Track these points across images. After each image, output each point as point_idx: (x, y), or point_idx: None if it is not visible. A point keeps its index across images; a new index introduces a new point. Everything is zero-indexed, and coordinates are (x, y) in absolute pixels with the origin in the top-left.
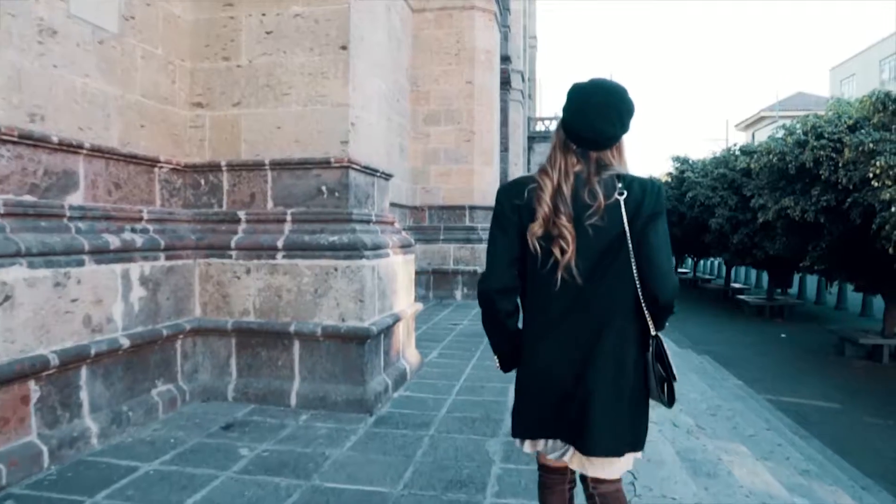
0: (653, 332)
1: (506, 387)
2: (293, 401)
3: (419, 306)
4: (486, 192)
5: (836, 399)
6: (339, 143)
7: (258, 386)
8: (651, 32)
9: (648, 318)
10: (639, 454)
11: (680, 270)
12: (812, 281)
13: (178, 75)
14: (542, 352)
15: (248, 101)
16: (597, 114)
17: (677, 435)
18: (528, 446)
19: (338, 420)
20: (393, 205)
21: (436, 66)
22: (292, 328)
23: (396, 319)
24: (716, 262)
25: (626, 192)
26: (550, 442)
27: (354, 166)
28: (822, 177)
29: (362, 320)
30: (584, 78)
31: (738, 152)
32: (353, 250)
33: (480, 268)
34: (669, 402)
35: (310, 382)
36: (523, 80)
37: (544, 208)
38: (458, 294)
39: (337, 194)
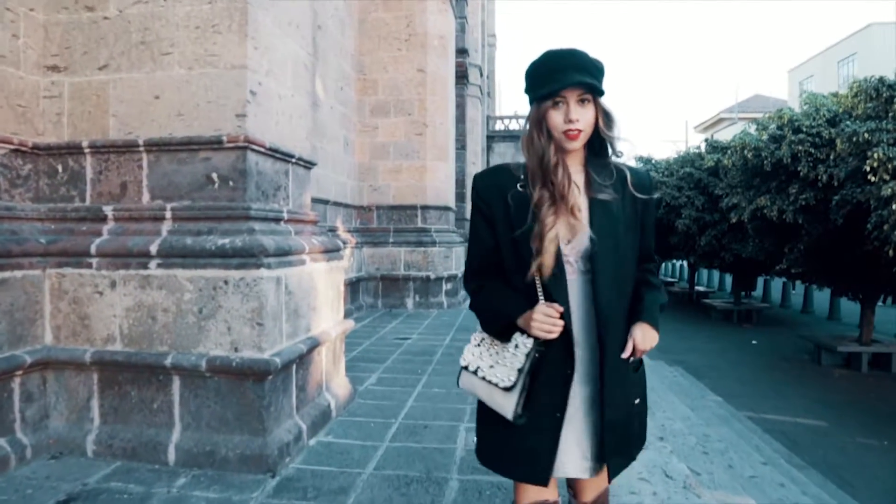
0: None
1: (454, 427)
2: (171, 456)
3: (349, 324)
4: (440, 190)
5: (821, 415)
6: (234, 116)
7: (127, 436)
8: (609, 33)
9: None
10: None
11: None
12: (776, 283)
13: (24, 29)
14: None
15: (118, 63)
16: None
17: (672, 492)
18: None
19: (225, 485)
20: (337, 204)
21: (384, 53)
22: (169, 360)
23: (315, 344)
24: (678, 264)
25: None
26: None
27: (255, 147)
28: (801, 173)
29: (261, 349)
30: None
31: (705, 150)
32: (248, 257)
33: (433, 273)
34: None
35: (194, 431)
36: (482, 74)
37: None
38: (410, 303)
39: (231, 184)
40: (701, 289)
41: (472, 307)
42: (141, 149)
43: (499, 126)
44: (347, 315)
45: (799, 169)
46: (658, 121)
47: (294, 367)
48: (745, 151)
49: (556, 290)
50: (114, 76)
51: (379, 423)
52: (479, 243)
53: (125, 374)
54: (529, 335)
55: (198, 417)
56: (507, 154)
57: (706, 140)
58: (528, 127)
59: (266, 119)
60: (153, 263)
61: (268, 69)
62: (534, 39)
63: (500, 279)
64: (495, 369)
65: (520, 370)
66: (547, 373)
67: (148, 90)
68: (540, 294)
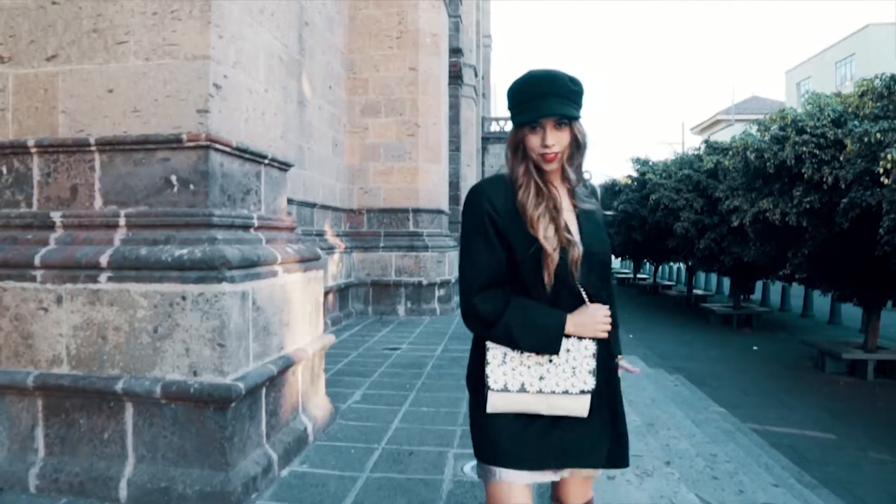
0: None
1: (441, 453)
2: (123, 492)
3: (329, 339)
4: (432, 192)
5: (829, 427)
6: (195, 112)
7: (74, 470)
8: (605, 34)
9: None
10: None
11: (639, 276)
12: (775, 286)
13: None
14: None
15: (67, 53)
16: None
17: None
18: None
19: None
20: (325, 207)
21: (375, 51)
22: (121, 385)
23: (288, 364)
24: (675, 268)
25: None
26: None
27: (219, 146)
28: (805, 175)
29: (223, 373)
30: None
31: (704, 151)
32: (208, 270)
33: (426, 279)
34: None
35: (149, 465)
36: (476, 75)
37: None
38: (402, 309)
39: (192, 187)
40: (699, 292)
41: (498, 330)
42: (93, 148)
43: (494, 127)
44: (335, 323)
45: (803, 171)
46: (654, 122)
47: (263, 390)
48: (747, 152)
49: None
50: (63, 68)
51: (360, 448)
52: (490, 255)
53: (73, 400)
54: (581, 338)
55: (153, 449)
56: (503, 156)
57: (705, 141)
58: (507, 147)
59: (233, 115)
60: (103, 276)
61: (235, 61)
62: (530, 40)
63: (519, 294)
64: (550, 379)
65: (591, 372)
66: None
67: (101, 83)
68: (584, 296)
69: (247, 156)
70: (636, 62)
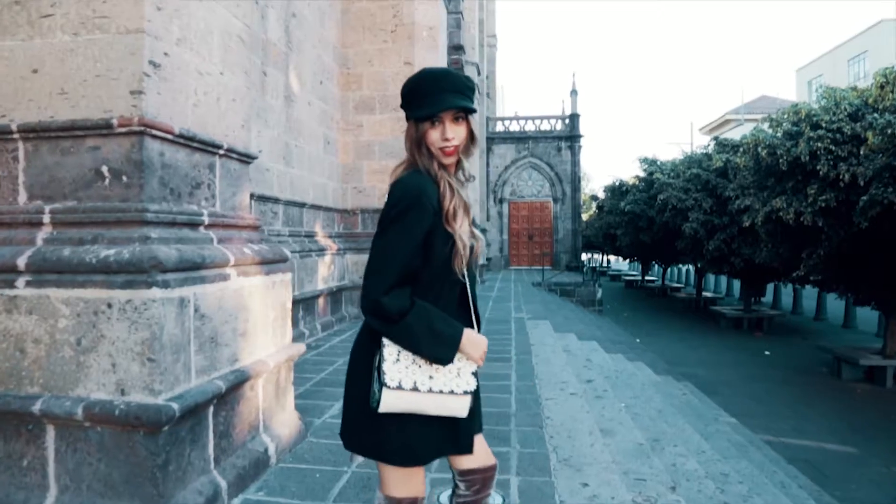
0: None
1: None
2: None
3: (297, 349)
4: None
5: (849, 439)
6: (128, 93)
7: None
8: (612, 35)
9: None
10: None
11: (648, 278)
12: (787, 288)
13: None
14: None
15: None
16: None
17: None
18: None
19: None
20: (316, 207)
21: (369, 45)
22: (39, 406)
23: (243, 378)
24: (684, 269)
25: None
26: None
27: (156, 132)
28: (820, 172)
29: (154, 392)
30: (546, 79)
31: (713, 150)
32: (136, 273)
33: None
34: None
35: (73, 496)
36: (479, 73)
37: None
38: None
39: (125, 179)
40: (708, 295)
41: (399, 329)
42: (16, 136)
43: (499, 127)
44: (326, 328)
45: (818, 167)
46: (662, 122)
47: (210, 409)
48: (759, 149)
49: (465, 292)
50: None
51: (327, 472)
52: (412, 254)
53: None
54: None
55: (77, 478)
56: (508, 155)
57: (715, 138)
58: (409, 142)
59: (176, 99)
60: (21, 281)
61: (180, 37)
62: (536, 42)
63: (418, 294)
64: (438, 379)
65: (473, 373)
66: None
67: (24, 62)
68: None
69: (195, 145)
70: (643, 62)
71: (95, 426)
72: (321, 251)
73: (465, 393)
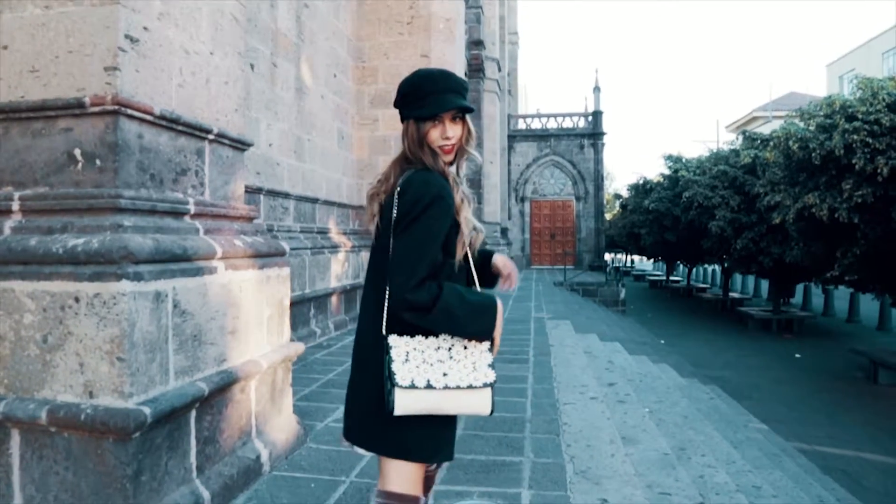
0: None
1: None
2: None
3: (296, 349)
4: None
5: (888, 448)
6: (102, 70)
7: None
8: (637, 31)
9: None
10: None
11: (672, 278)
12: (817, 289)
13: None
14: None
15: None
16: None
17: None
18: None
19: None
20: (329, 203)
21: (385, 37)
22: (2, 408)
23: (231, 380)
24: (710, 269)
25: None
26: None
27: (133, 113)
28: (856, 167)
29: (123, 395)
30: (568, 77)
31: (741, 145)
32: (105, 264)
33: None
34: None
35: None
36: (500, 69)
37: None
38: None
39: (98, 163)
40: (735, 295)
41: (436, 315)
42: None
43: (521, 125)
44: (339, 327)
45: (854, 161)
46: (687, 120)
47: (192, 413)
48: (790, 143)
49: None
50: None
51: (324, 482)
52: (436, 244)
53: None
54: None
55: (44, 488)
56: (530, 153)
57: (743, 132)
58: (407, 143)
59: (158, 78)
60: None
61: (162, 12)
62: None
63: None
64: (454, 375)
65: (490, 365)
66: None
67: None
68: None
69: (180, 128)
70: (667, 58)
71: (62, 431)
72: (334, 248)
73: (486, 385)
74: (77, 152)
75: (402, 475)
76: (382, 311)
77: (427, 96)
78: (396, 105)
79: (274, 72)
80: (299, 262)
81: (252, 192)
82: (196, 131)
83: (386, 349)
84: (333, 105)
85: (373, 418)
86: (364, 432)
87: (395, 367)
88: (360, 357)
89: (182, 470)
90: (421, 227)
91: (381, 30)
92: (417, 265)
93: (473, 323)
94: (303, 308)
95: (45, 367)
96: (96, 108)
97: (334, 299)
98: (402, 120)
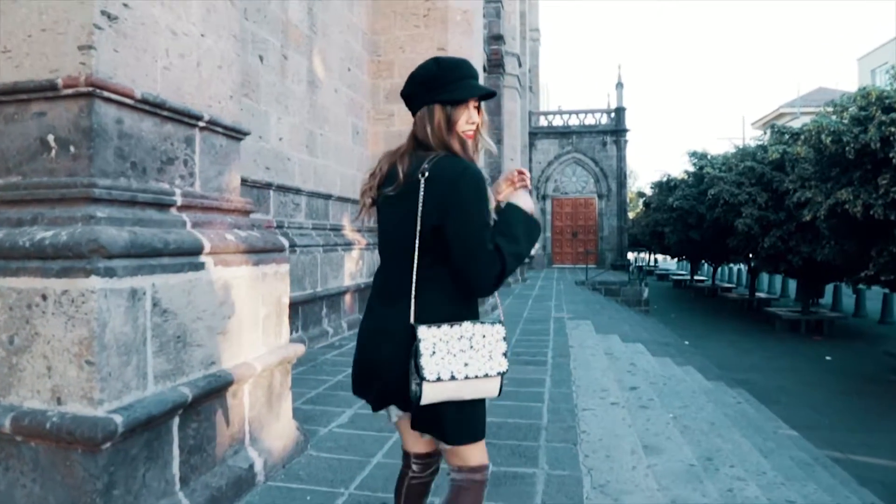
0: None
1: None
2: None
3: (296, 350)
4: None
5: None
6: (76, 49)
7: None
8: (662, 28)
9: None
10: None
11: (697, 278)
12: (847, 289)
13: None
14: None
15: None
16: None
17: None
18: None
19: None
20: (343, 199)
21: (400, 30)
22: None
23: (220, 384)
24: (735, 268)
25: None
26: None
27: (110, 95)
28: (893, 161)
29: (93, 401)
30: (591, 76)
31: (769, 140)
32: (74, 258)
33: None
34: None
35: None
36: (520, 64)
37: None
38: None
39: (73, 150)
40: (762, 295)
41: (508, 263)
42: None
43: (542, 122)
44: (353, 326)
45: (891, 155)
46: (712, 117)
47: (175, 420)
48: (822, 136)
49: None
50: None
51: (321, 493)
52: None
53: None
54: (495, 323)
55: (10, 502)
56: (551, 151)
57: (772, 126)
58: (431, 129)
59: (141, 59)
60: None
61: None
62: (582, 37)
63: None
64: (473, 365)
65: (504, 354)
66: None
67: None
68: None
69: (165, 113)
70: (692, 54)
71: (28, 441)
72: (348, 245)
73: (498, 374)
74: (50, 138)
75: (479, 449)
76: (411, 298)
77: (455, 82)
78: (413, 91)
79: (284, 64)
80: (311, 260)
81: (261, 187)
82: (184, 117)
83: (414, 340)
84: (347, 99)
85: (446, 415)
86: (435, 425)
87: (423, 361)
88: (393, 350)
89: (162, 482)
90: (479, 212)
91: (396, 23)
92: (488, 245)
93: (529, 241)
94: (314, 307)
95: (12, 370)
96: (69, 91)
97: (348, 298)
98: (418, 107)
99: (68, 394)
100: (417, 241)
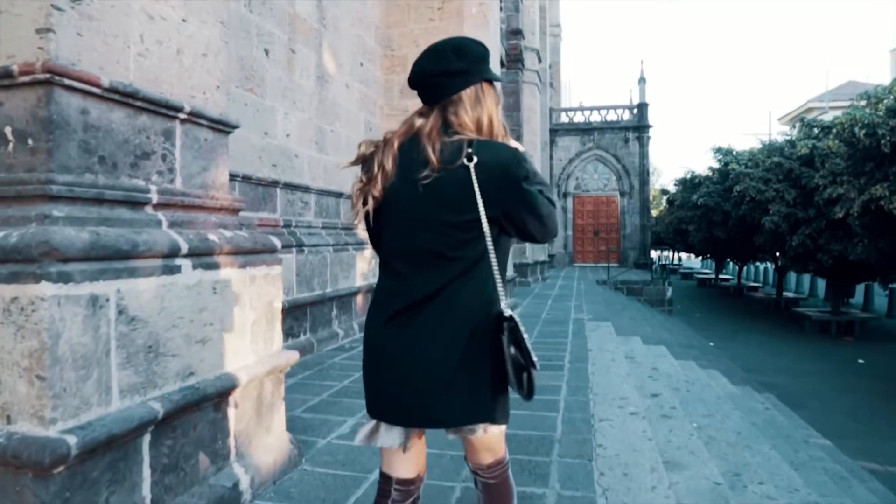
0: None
1: None
2: None
3: (291, 357)
4: None
5: None
6: (34, 32)
7: None
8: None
9: None
10: None
11: (722, 277)
12: (880, 289)
13: None
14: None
15: None
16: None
17: None
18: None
19: None
20: None
21: (414, 24)
22: None
23: (198, 398)
24: (762, 267)
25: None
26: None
27: (72, 83)
28: None
29: (44, 420)
30: (613, 73)
31: (797, 134)
32: (23, 262)
33: None
34: None
35: None
36: (539, 60)
37: None
38: None
39: (31, 142)
40: (789, 295)
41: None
42: None
43: (563, 119)
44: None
45: None
46: (737, 112)
47: (145, 438)
48: (855, 129)
49: None
50: None
51: None
52: None
53: None
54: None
55: None
56: (572, 148)
57: (801, 119)
58: (487, 108)
59: (111, 45)
60: None
61: None
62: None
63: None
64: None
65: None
66: None
67: None
68: None
69: (139, 104)
70: (716, 48)
71: None
72: (360, 245)
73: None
74: (8, 131)
75: (502, 439)
76: (496, 288)
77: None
78: (470, 68)
79: (292, 58)
80: (320, 260)
81: (267, 185)
82: (162, 108)
83: (511, 327)
84: (360, 95)
85: (481, 394)
86: (472, 409)
87: (530, 345)
88: (470, 337)
89: None
90: (538, 181)
91: (410, 16)
92: (552, 207)
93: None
94: (324, 308)
95: None
96: (26, 78)
97: (359, 298)
98: (462, 87)
99: (18, 412)
100: (485, 226)
